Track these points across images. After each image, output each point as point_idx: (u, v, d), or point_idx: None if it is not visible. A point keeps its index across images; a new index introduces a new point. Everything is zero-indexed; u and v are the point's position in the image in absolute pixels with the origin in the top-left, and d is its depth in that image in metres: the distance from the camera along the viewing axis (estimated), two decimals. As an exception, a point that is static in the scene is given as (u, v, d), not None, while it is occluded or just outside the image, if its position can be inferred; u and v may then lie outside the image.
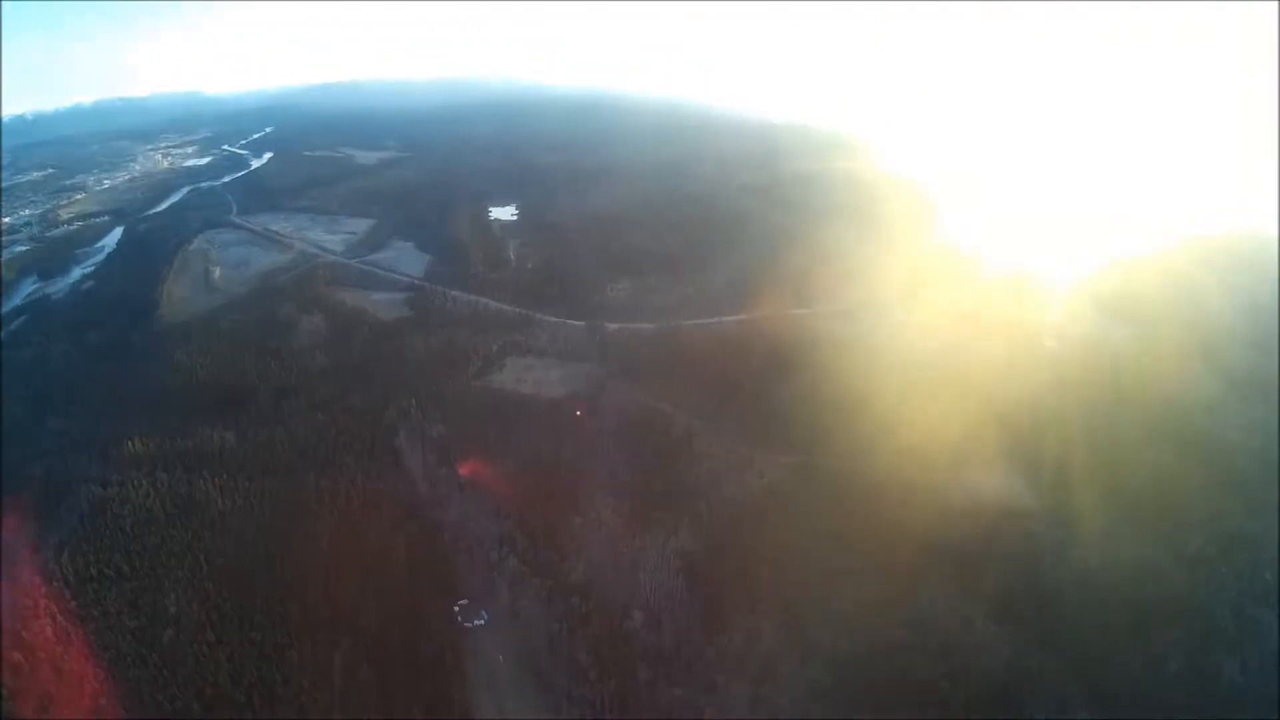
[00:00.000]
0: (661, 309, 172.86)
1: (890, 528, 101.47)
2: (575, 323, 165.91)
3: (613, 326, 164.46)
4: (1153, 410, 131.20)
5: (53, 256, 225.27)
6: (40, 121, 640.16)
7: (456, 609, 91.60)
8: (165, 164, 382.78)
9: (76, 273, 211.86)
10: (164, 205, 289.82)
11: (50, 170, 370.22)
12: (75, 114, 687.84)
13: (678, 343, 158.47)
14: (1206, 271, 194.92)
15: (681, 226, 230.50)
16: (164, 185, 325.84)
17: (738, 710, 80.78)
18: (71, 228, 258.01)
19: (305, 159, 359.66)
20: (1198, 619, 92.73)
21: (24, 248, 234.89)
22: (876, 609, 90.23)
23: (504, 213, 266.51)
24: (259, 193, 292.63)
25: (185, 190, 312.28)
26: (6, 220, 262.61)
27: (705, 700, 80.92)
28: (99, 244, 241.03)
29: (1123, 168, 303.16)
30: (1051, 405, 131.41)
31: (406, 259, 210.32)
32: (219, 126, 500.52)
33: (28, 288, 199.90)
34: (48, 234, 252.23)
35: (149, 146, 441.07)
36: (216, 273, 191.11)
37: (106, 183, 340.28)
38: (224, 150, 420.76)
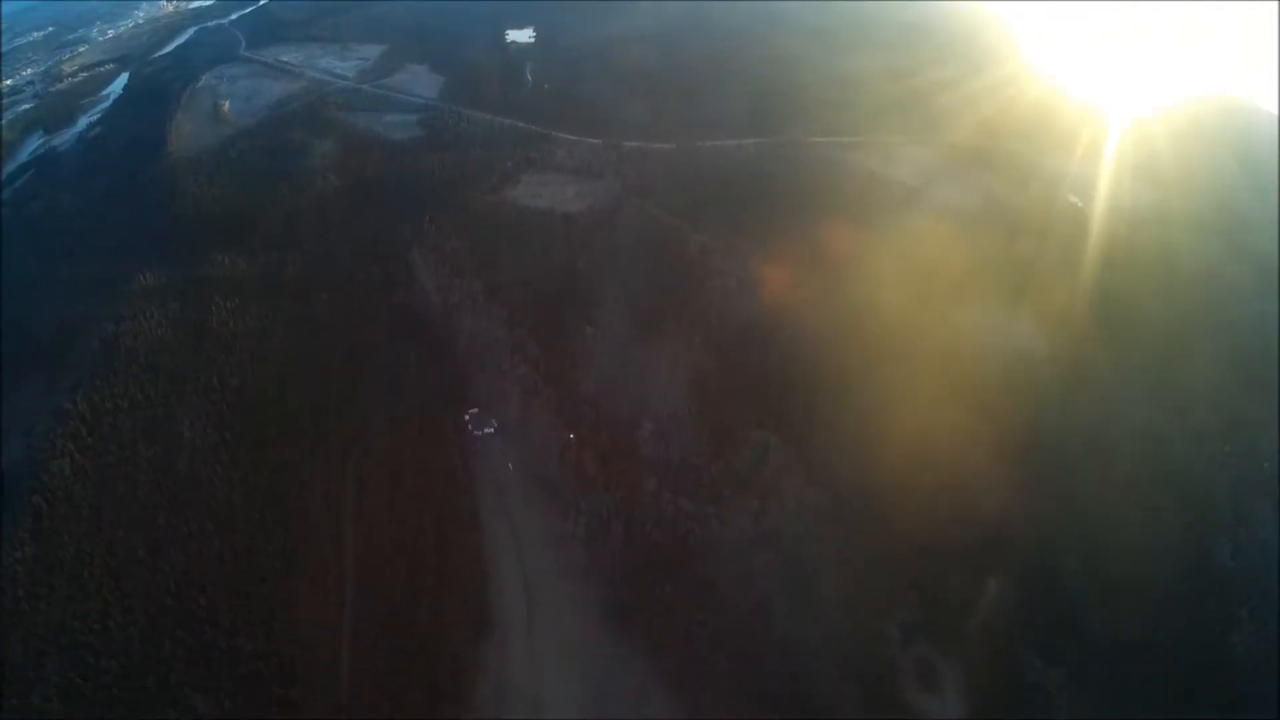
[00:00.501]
0: (680, 130, 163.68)
1: (901, 359, 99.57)
2: (592, 140, 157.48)
3: (630, 145, 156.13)
4: (1170, 281, 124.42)
5: (57, 110, 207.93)
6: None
7: (467, 418, 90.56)
8: (170, 8, 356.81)
9: (82, 123, 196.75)
10: (170, 47, 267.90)
11: (50, 29, 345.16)
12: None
13: (695, 163, 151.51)
14: (1219, 141, 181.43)
15: (705, 52, 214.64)
16: (170, 29, 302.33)
17: (739, 524, 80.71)
18: (76, 80, 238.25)
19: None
20: (1195, 494, 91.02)
21: (28, 105, 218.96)
22: (883, 438, 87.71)
23: (521, 35, 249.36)
24: (268, 26, 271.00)
25: (192, 31, 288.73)
26: (8, 83, 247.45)
27: (710, 513, 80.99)
28: (104, 92, 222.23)
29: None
30: (1070, 258, 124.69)
31: (420, 82, 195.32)
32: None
33: (33, 144, 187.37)
34: (51, 89, 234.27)
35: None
36: (225, 106, 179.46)
37: (110, 33, 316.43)
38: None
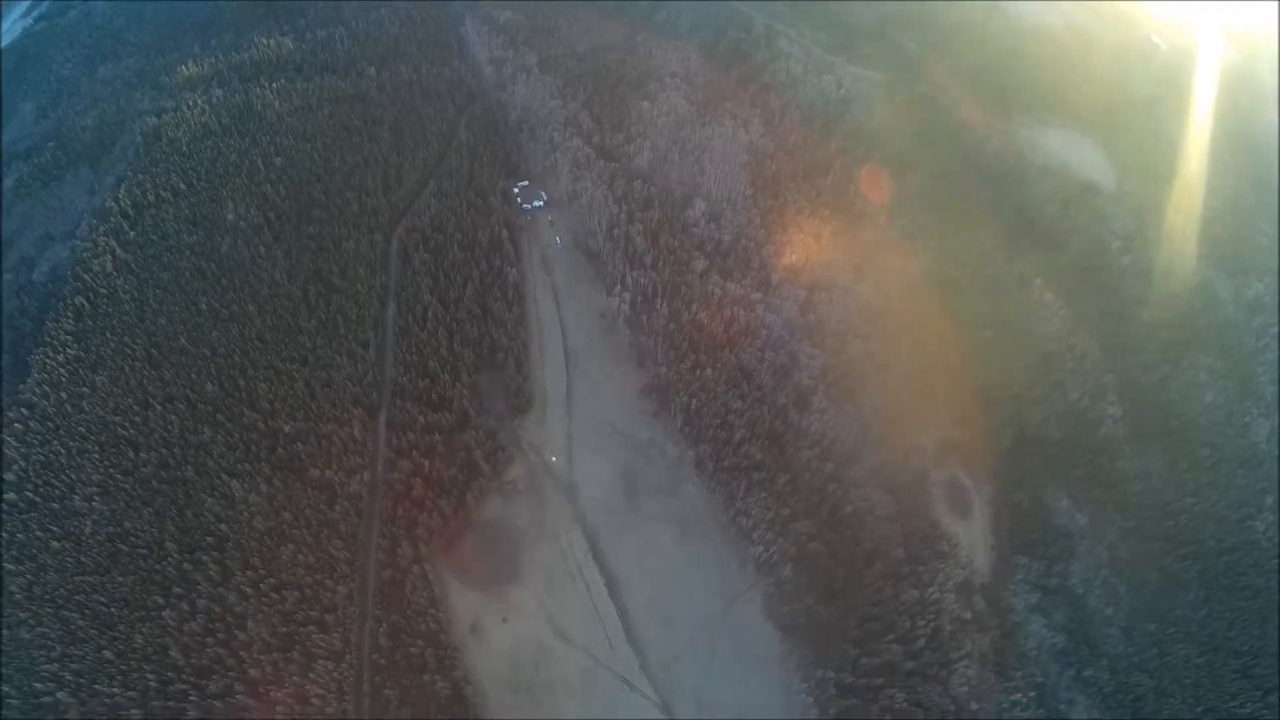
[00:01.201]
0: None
1: (966, 180, 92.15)
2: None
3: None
4: (1244, 141, 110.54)
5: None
6: None
7: (516, 190, 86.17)
8: None
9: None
10: None
11: None
12: None
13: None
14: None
15: None
16: None
17: (786, 311, 77.22)
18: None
19: None
20: (1241, 363, 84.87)
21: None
22: (939, 253, 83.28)
23: None
24: None
25: None
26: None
27: (757, 297, 77.34)
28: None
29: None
30: (1148, 98, 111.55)
31: None
32: None
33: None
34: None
35: None
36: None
37: None
38: None
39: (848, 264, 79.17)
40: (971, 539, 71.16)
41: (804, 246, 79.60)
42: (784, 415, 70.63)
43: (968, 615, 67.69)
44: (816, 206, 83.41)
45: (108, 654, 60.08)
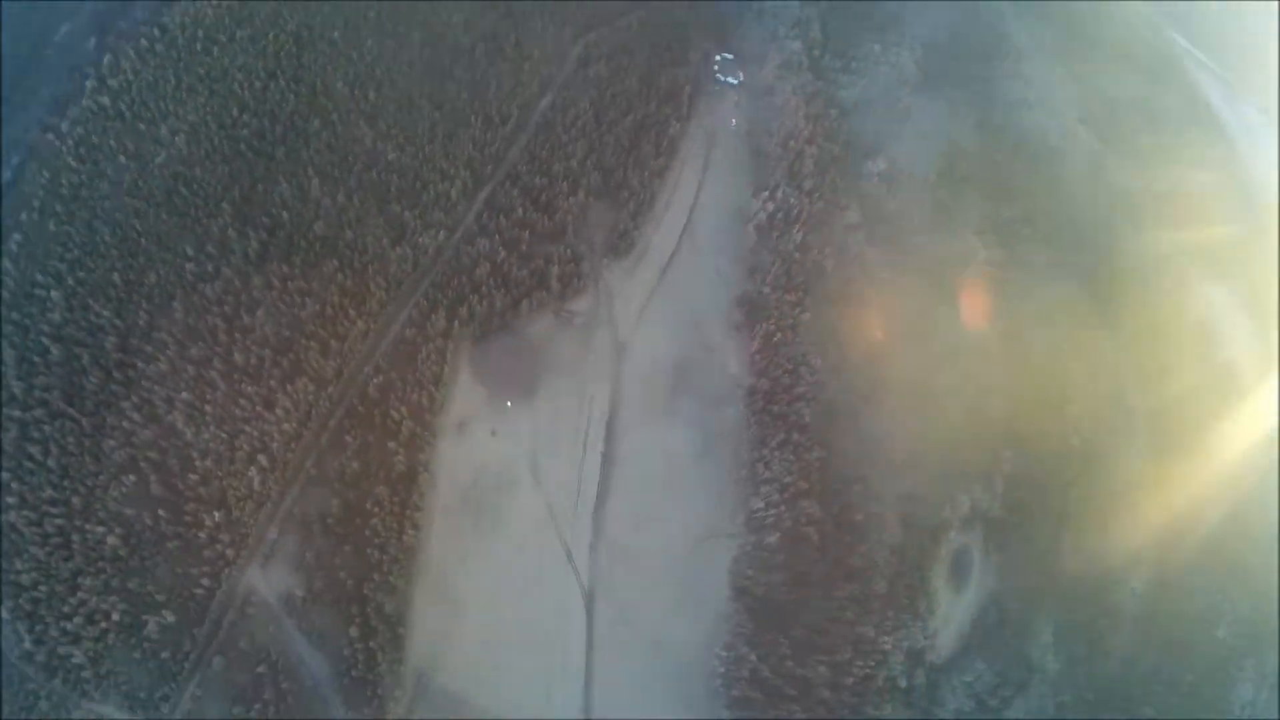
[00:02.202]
0: None
1: None
2: None
3: None
4: None
5: None
6: None
7: (718, 59, 76.63)
8: None
9: None
10: None
11: None
12: None
13: None
14: None
15: None
16: None
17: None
18: None
19: None
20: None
21: None
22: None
23: None
24: None
25: None
26: None
27: (886, 276, 69.82)
28: None
29: None
30: None
31: None
32: None
33: None
34: None
35: None
36: None
37: None
38: None
39: (995, 302, 70.39)
40: (950, 615, 65.31)
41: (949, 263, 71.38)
42: (850, 396, 63.64)
43: (902, 684, 62.00)
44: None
45: (116, 278, 57.57)
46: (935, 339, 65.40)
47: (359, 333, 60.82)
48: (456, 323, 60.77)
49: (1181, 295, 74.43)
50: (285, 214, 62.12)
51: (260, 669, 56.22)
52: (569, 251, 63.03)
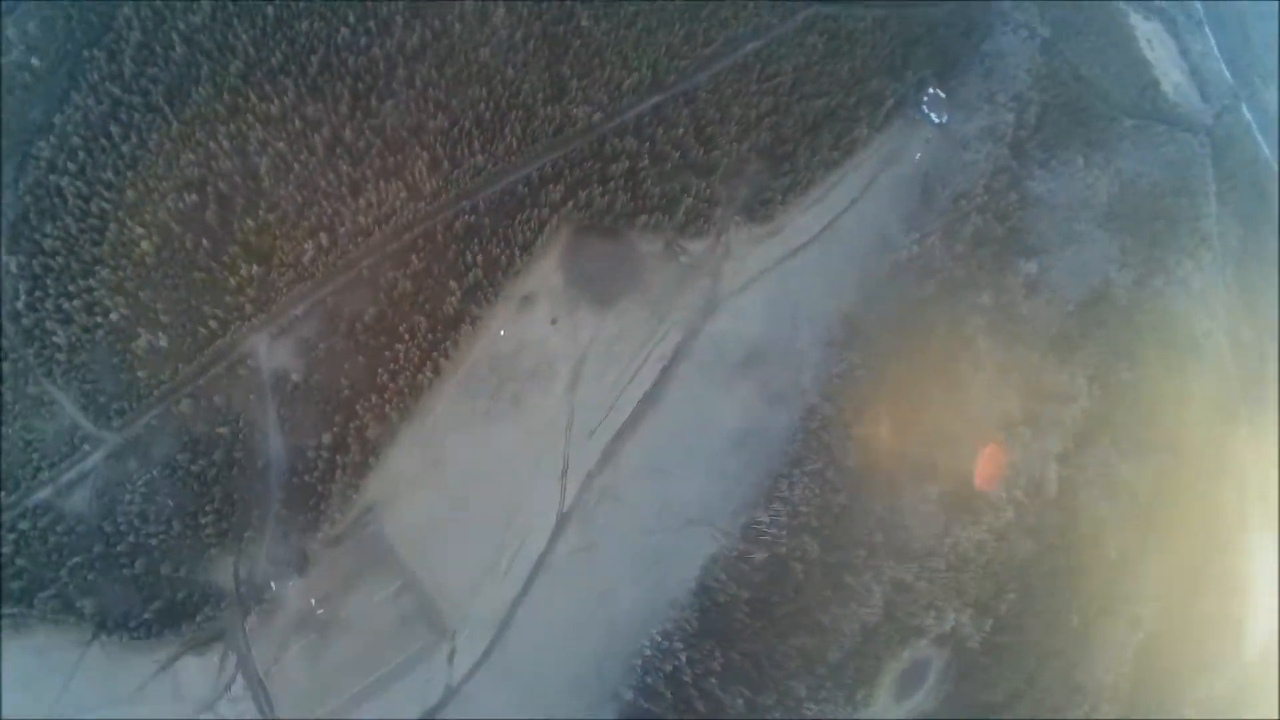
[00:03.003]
0: None
1: None
2: None
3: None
4: None
5: None
6: None
7: (932, 91, 69.28)
8: None
9: None
10: None
11: None
12: None
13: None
14: None
15: None
16: None
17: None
18: None
19: None
20: None
21: None
22: None
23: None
24: None
25: None
26: None
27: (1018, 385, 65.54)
28: None
29: None
30: None
31: None
32: None
33: None
34: None
35: None
36: None
37: None
38: None
39: (1072, 447, 65.76)
40: (878, 714, 61.76)
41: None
42: (897, 463, 60.34)
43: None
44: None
45: (270, 11, 55.84)
46: (1001, 455, 60.84)
47: (474, 167, 56.83)
48: (572, 204, 56.36)
49: (1233, 539, 69.60)
50: (458, 25, 57.60)
51: (222, 429, 53.34)
52: (709, 191, 58.30)
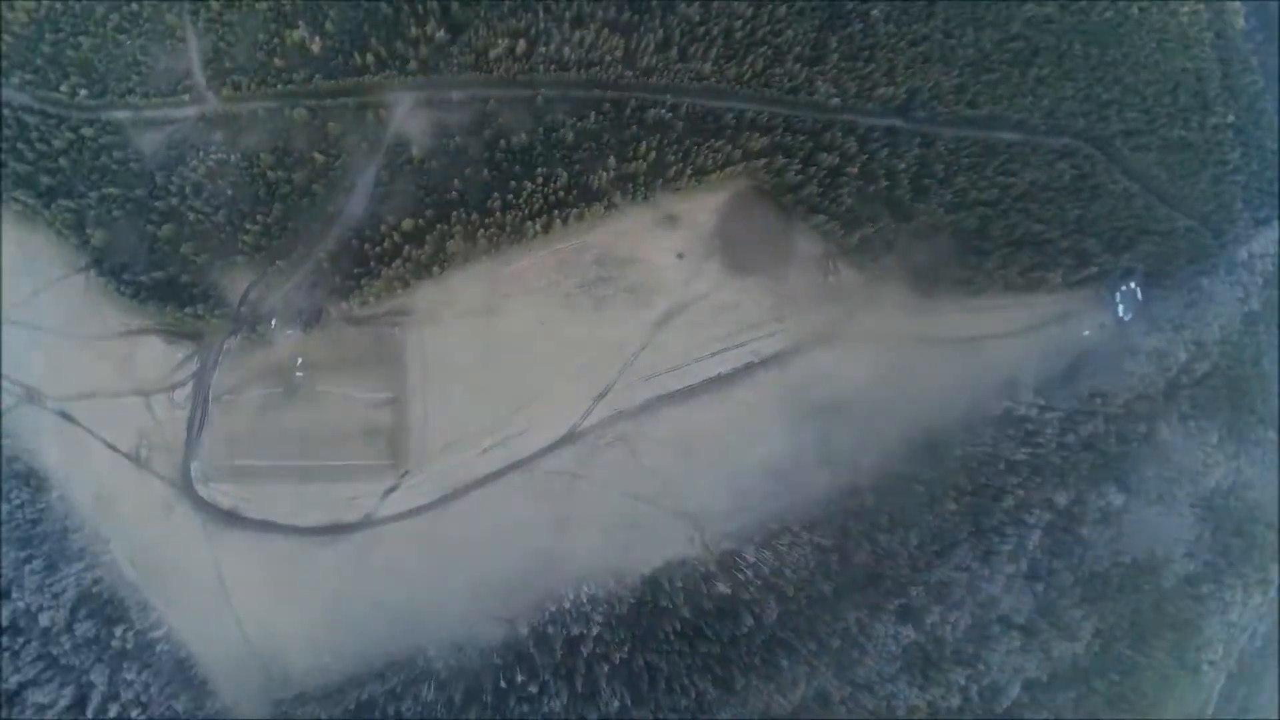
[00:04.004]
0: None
1: None
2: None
3: None
4: None
5: None
6: None
7: (1126, 286, 68.77)
8: None
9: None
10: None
11: None
12: None
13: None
14: None
15: None
16: None
17: None
18: None
19: None
20: None
21: None
22: None
23: None
24: None
25: None
26: None
27: None
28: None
29: None
30: None
31: None
32: None
33: None
34: None
35: None
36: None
37: None
38: None
39: None
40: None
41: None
42: (893, 594, 54.85)
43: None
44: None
45: None
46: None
47: (697, 72, 52.92)
48: (765, 163, 51.76)
49: None
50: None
51: (319, 156, 52.60)
52: (892, 234, 54.28)
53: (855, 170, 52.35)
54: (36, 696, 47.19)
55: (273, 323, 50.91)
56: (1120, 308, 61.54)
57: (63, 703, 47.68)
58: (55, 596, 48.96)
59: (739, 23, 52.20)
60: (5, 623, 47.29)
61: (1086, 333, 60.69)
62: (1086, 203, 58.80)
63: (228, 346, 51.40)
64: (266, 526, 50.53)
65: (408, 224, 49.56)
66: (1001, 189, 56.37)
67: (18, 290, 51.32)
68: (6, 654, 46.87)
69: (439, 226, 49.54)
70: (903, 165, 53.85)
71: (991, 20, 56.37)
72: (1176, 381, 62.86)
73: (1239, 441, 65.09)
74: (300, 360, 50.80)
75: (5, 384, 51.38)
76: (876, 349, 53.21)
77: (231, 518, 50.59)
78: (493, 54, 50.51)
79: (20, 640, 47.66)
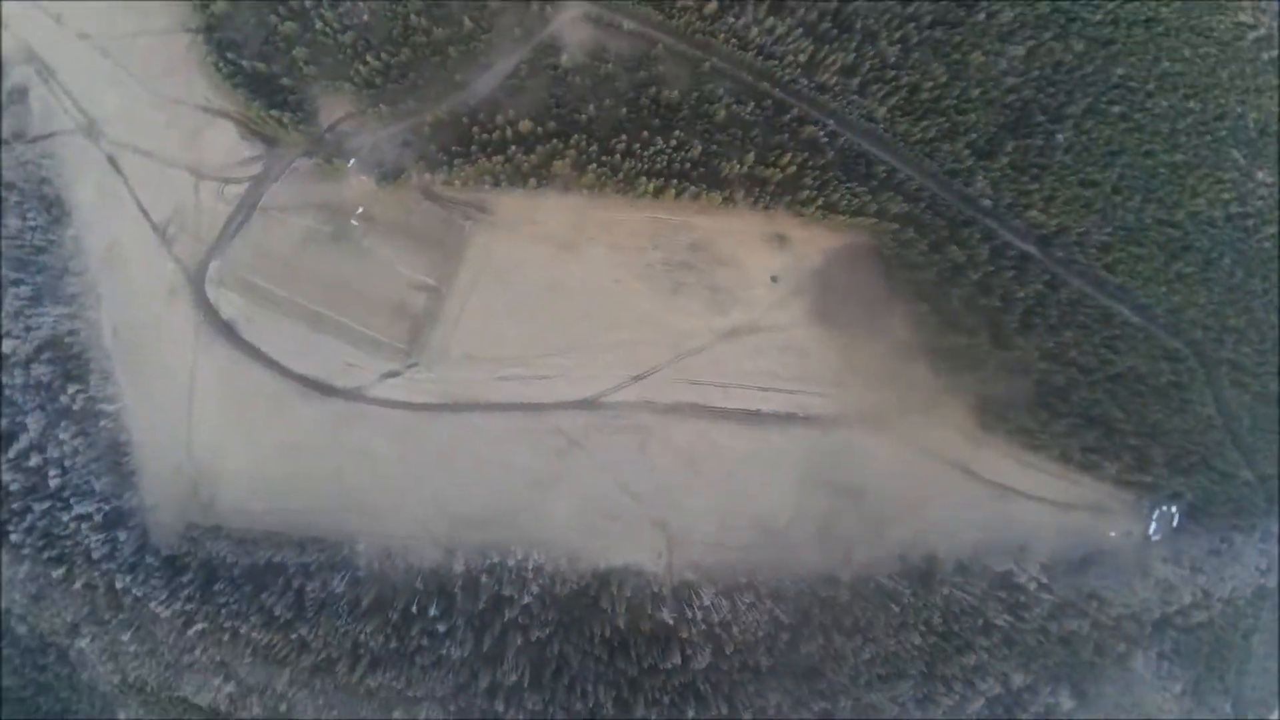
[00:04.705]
0: None
1: None
2: None
3: None
4: None
5: None
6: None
7: (1165, 509, 66.10)
8: None
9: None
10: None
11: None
12: None
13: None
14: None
15: None
16: None
17: None
18: None
19: None
20: None
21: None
22: None
23: None
24: None
25: None
26: None
27: None
28: None
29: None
30: None
31: None
32: None
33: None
34: None
35: None
36: None
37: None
38: None
39: None
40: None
41: None
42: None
43: None
44: None
45: None
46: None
47: (876, 110, 48.92)
48: (896, 229, 49.09)
49: None
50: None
51: (471, 19, 48.91)
52: (986, 359, 50.99)
53: (977, 277, 49.14)
54: (-34, 416, 43.55)
55: (351, 162, 47.63)
56: (1154, 525, 58.44)
57: (-9, 432, 44.01)
58: (28, 330, 45.61)
59: (929, 84, 48.71)
60: (-33, 331, 43.68)
61: (1113, 534, 57.72)
62: (1170, 412, 55.52)
63: (297, 165, 48.24)
64: (255, 354, 47.58)
65: (525, 125, 46.26)
66: (1100, 360, 53.16)
67: (120, 25, 47.85)
68: (-44, 360, 43.34)
69: (554, 142, 46.39)
70: (1021, 294, 50.34)
71: (1162, 198, 52.29)
72: (1170, 620, 60.12)
73: (1196, 702, 62.37)
74: (361, 210, 47.60)
75: (71, 108, 48.16)
76: (915, 456, 50.14)
77: (227, 330, 47.31)
78: (680, 2, 46.64)
79: (-26, 355, 44.07)
